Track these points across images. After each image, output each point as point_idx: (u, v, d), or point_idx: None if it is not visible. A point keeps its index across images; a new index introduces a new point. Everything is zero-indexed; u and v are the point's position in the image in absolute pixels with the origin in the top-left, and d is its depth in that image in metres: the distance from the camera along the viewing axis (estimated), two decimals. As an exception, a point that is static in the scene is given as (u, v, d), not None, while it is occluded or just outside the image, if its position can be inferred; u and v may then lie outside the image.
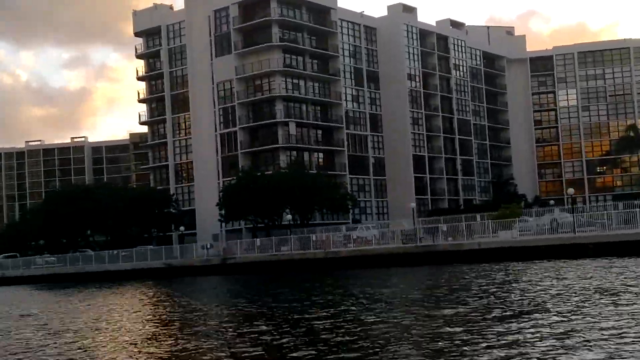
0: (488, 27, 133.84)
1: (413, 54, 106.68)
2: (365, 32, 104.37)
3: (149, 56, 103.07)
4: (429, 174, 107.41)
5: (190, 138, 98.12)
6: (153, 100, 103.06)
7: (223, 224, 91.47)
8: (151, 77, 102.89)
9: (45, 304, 42.41)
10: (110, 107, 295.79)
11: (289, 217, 68.59)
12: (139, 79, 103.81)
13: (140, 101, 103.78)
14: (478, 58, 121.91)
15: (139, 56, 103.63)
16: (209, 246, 69.26)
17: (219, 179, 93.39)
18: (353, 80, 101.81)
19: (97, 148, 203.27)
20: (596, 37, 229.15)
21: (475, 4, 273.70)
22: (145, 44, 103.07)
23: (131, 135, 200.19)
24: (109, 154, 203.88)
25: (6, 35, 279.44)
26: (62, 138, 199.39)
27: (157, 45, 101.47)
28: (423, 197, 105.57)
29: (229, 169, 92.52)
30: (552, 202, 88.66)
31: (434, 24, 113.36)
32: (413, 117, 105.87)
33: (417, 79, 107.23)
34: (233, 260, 65.40)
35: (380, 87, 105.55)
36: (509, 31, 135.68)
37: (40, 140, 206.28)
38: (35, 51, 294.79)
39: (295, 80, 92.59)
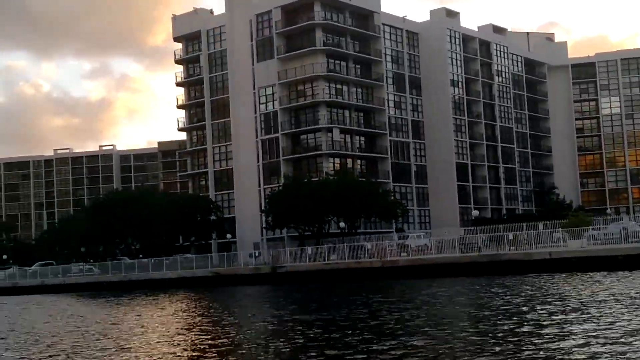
0: (527, 33, 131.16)
1: (456, 59, 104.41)
2: (407, 37, 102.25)
3: (189, 61, 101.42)
4: (472, 182, 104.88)
5: (230, 144, 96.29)
6: (192, 107, 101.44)
7: (264, 232, 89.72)
8: (190, 83, 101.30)
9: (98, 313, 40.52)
10: (131, 117, 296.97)
11: (342, 224, 66.26)
12: (178, 84, 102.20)
13: (179, 107, 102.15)
14: (519, 64, 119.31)
15: (177, 61, 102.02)
16: (257, 254, 67.24)
17: (259, 186, 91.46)
18: (394, 86, 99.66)
19: (125, 156, 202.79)
20: (617, 48, 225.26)
21: (495, 15, 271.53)
22: (184, 49, 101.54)
23: (159, 143, 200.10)
24: (137, 162, 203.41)
25: (28, 46, 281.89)
26: (82, 148, 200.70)
27: (197, 50, 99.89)
28: (466, 206, 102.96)
29: (270, 175, 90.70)
30: (609, 210, 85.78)
31: (476, 29, 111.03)
32: (456, 124, 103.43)
33: (460, 85, 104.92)
34: (284, 270, 63.31)
35: (422, 94, 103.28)
36: (549, 37, 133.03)
37: (68, 149, 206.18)
38: (56, 62, 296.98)
39: (338, 86, 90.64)
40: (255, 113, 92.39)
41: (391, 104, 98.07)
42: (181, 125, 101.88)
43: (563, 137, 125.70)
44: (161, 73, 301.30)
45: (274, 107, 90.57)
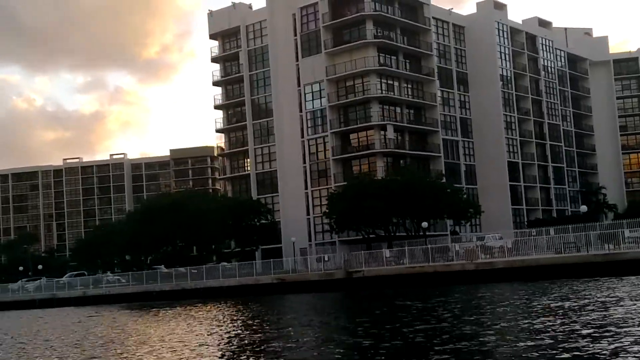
0: (566, 28, 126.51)
1: (504, 53, 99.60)
2: (453, 31, 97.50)
3: (226, 59, 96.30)
4: (523, 182, 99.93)
5: (273, 145, 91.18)
6: (230, 106, 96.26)
7: (313, 237, 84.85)
8: (228, 82, 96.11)
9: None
10: (124, 129, 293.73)
11: (425, 224, 61.24)
12: (215, 83, 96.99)
13: (216, 107, 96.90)
14: (562, 59, 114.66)
15: (214, 59, 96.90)
16: (326, 259, 62.19)
17: (306, 189, 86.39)
18: (441, 82, 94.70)
19: (136, 165, 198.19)
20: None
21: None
22: (221, 46, 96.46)
23: (172, 151, 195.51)
24: (148, 170, 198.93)
25: (21, 61, 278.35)
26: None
27: (235, 47, 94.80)
28: (518, 207, 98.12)
29: (318, 177, 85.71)
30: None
31: (520, 22, 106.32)
32: (506, 121, 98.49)
33: (509, 81, 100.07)
34: (360, 274, 58.20)
35: (470, 89, 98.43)
36: (588, 32, 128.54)
37: (78, 158, 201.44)
38: (50, 76, 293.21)
39: (389, 81, 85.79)
40: (301, 111, 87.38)
41: (439, 100, 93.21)
42: (218, 126, 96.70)
43: (606, 135, 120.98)
44: (155, 85, 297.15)
45: (321, 105, 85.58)
